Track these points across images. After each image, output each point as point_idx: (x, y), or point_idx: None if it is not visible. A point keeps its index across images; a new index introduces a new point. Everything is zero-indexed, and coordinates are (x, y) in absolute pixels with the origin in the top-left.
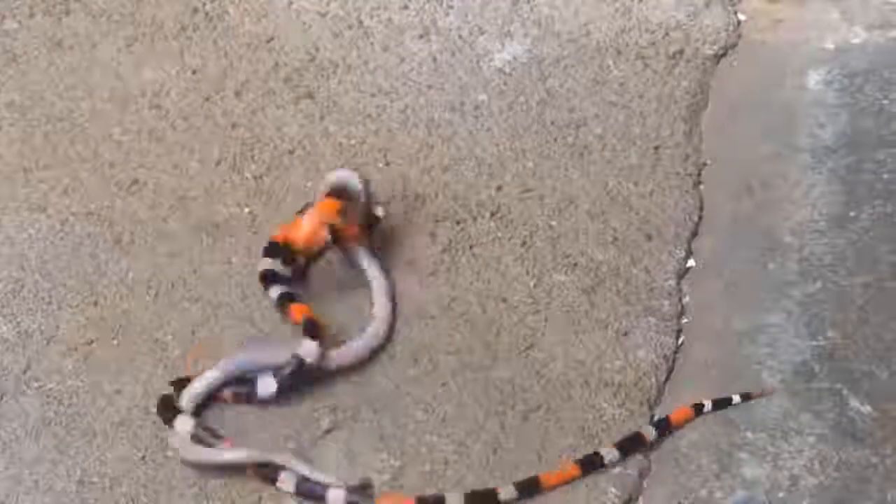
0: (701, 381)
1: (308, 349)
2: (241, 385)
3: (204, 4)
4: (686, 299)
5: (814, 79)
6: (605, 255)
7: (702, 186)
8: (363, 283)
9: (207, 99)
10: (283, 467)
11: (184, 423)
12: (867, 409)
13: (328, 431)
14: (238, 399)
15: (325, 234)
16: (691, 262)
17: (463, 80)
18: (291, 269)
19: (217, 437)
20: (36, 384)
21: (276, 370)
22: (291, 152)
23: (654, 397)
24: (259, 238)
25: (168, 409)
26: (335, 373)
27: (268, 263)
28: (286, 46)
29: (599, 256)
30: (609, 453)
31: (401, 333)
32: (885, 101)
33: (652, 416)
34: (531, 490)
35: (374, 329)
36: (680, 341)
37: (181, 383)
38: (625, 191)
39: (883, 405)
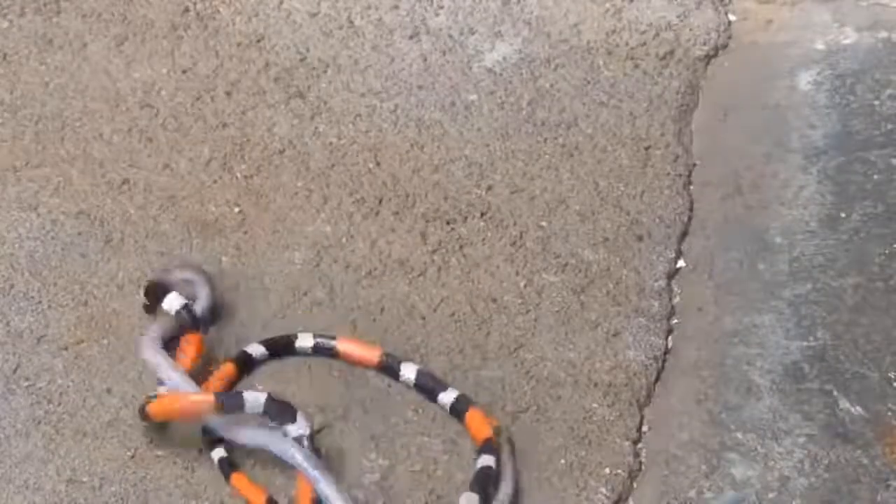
0: (691, 381)
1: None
2: None
3: (195, 4)
4: (676, 300)
5: (805, 79)
6: (596, 256)
7: (692, 187)
8: None
9: (198, 98)
10: None
11: None
12: (857, 409)
13: (318, 431)
14: None
15: None
16: (681, 263)
17: (453, 80)
18: None
19: None
20: (26, 383)
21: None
22: (282, 152)
23: (644, 398)
24: (249, 237)
25: None
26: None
27: None
28: (277, 46)
29: (590, 257)
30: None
31: (392, 333)
32: (876, 102)
33: (641, 418)
34: None
35: None
36: (670, 342)
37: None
38: (615, 191)
39: (873, 406)
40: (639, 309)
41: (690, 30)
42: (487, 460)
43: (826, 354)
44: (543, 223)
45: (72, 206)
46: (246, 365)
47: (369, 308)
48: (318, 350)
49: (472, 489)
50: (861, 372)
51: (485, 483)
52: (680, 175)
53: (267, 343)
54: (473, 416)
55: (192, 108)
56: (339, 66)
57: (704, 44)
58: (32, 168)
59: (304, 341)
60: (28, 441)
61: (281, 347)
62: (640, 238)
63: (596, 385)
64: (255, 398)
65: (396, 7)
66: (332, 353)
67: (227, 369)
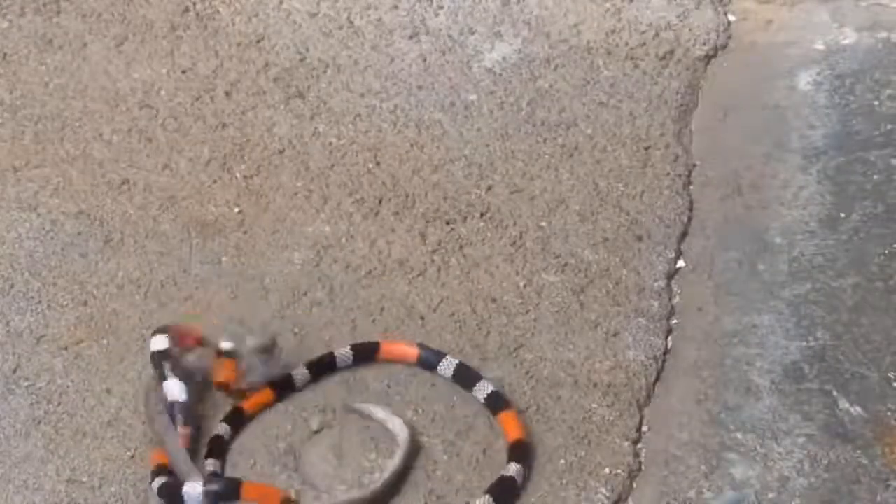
0: (691, 381)
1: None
2: None
3: (194, 4)
4: (676, 300)
5: (804, 80)
6: (595, 256)
7: (691, 187)
8: None
9: (198, 98)
10: None
11: None
12: (857, 410)
13: (318, 431)
14: None
15: None
16: (681, 263)
17: (453, 80)
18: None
19: None
20: (25, 383)
21: None
22: (281, 152)
23: (644, 398)
24: (249, 237)
25: None
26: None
27: None
28: (276, 46)
29: (589, 257)
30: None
31: (392, 334)
32: (876, 102)
33: (641, 418)
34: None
35: None
36: (670, 342)
37: None
38: (615, 191)
39: (873, 406)
40: (639, 309)
41: (690, 30)
42: (513, 469)
43: (826, 354)
44: (543, 223)
45: (72, 206)
46: (285, 389)
47: (369, 308)
48: (359, 356)
49: (490, 492)
50: (861, 372)
51: (503, 491)
52: (680, 175)
53: (308, 364)
54: (506, 418)
55: (192, 108)
56: (339, 66)
57: (704, 44)
58: (32, 168)
59: (343, 350)
60: (28, 441)
61: (321, 367)
62: (640, 238)
63: (596, 385)
64: (192, 489)
65: (396, 7)
66: (374, 354)
67: (265, 393)
